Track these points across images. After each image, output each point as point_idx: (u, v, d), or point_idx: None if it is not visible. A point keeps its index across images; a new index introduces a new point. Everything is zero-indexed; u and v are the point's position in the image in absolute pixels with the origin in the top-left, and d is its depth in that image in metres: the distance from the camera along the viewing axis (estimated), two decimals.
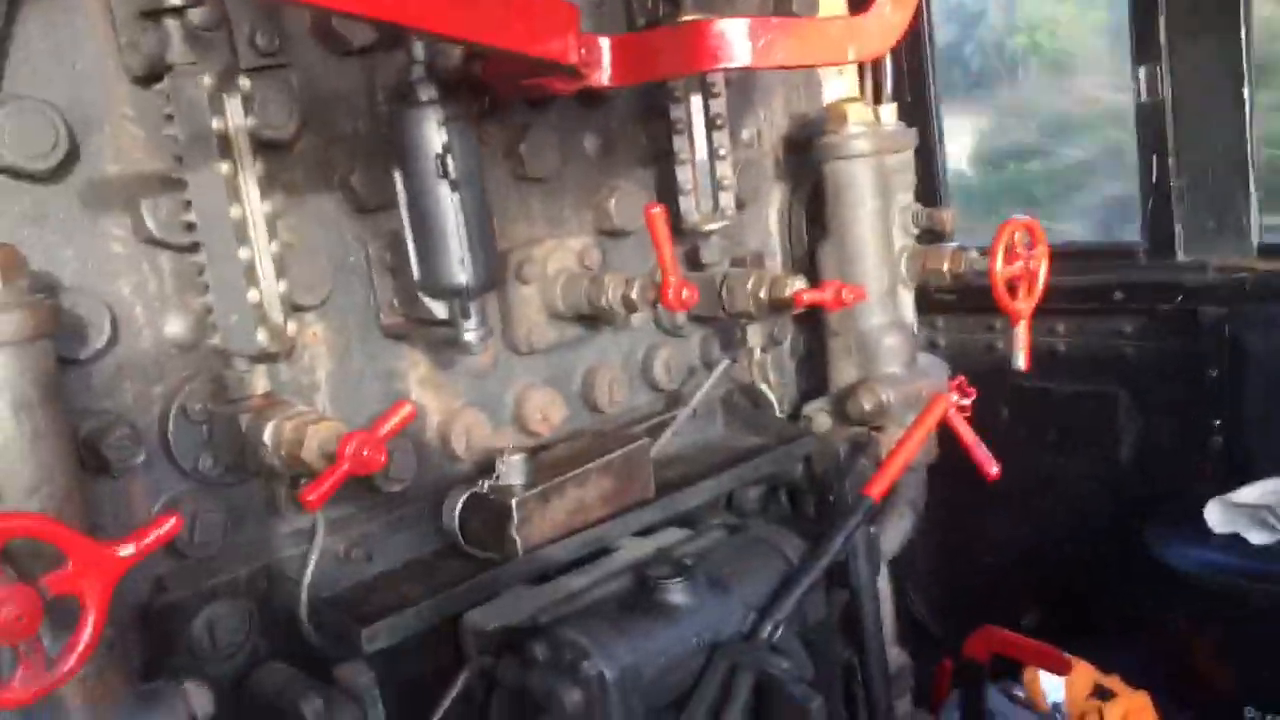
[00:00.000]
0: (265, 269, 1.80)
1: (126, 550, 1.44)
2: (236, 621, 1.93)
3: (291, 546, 2.01)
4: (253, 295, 1.79)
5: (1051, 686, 3.28)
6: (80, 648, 1.39)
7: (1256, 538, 2.94)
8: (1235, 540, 2.98)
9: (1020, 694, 3.36)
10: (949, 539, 4.05)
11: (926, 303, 3.77)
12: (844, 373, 2.70)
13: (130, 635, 1.79)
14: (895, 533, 2.72)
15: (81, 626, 1.40)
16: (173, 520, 1.48)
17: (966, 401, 2.64)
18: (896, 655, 2.87)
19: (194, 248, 1.82)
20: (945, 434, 2.69)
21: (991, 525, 3.92)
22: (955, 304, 3.77)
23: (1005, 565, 3.91)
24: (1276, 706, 2.93)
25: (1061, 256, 3.45)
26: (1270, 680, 2.93)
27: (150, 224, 1.81)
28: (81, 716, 1.55)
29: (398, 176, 1.90)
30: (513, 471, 2.08)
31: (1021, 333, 2.58)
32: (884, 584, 2.90)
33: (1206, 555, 2.97)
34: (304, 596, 1.89)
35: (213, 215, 1.76)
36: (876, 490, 2.28)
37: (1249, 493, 3.00)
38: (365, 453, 1.70)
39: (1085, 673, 3.19)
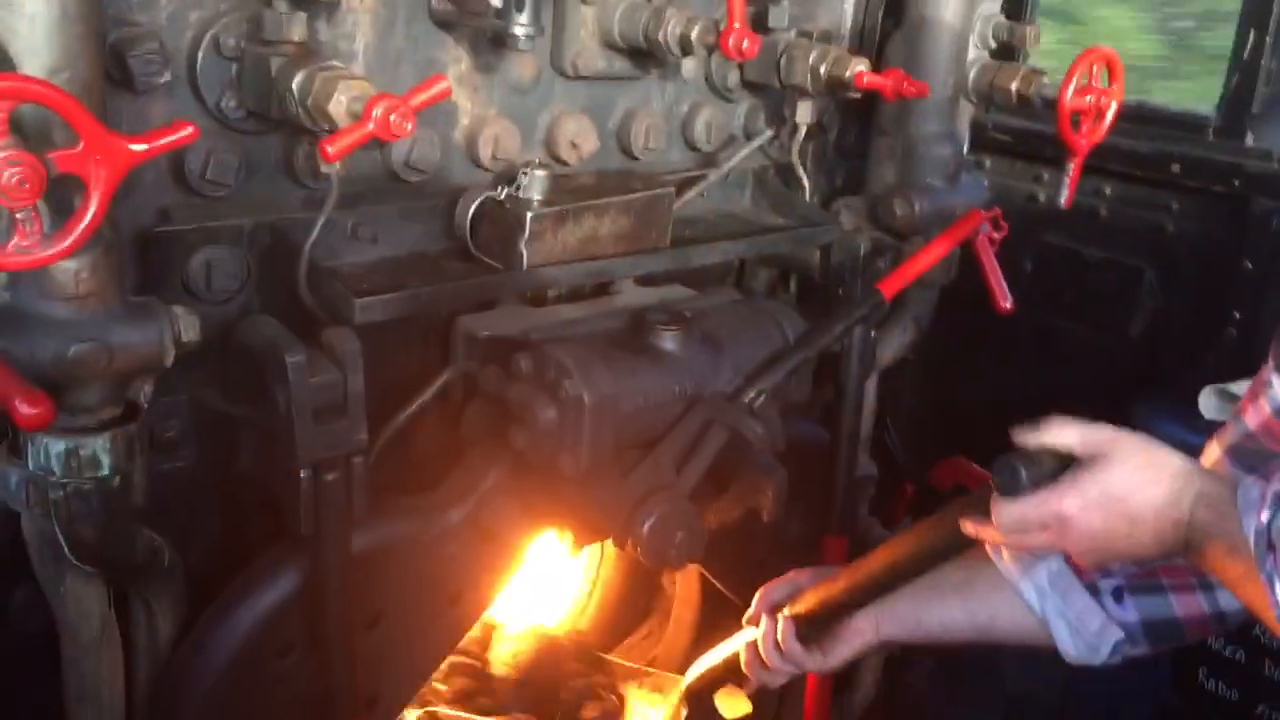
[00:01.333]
0: None
1: (139, 146, 1.41)
2: (235, 268, 1.92)
3: (300, 210, 1.99)
4: None
5: None
6: (79, 228, 1.38)
7: None
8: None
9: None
10: (940, 382, 4.06)
11: (980, 139, 3.66)
12: (883, 175, 2.64)
13: (128, 261, 1.79)
14: (894, 343, 2.71)
15: (84, 209, 1.38)
16: (189, 129, 1.45)
17: (998, 235, 2.60)
18: (865, 464, 2.91)
19: None
20: (964, 271, 2.65)
21: (985, 375, 3.92)
22: (1008, 146, 3.66)
23: (989, 417, 3.91)
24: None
25: (1129, 118, 3.34)
26: None
27: None
28: (68, 308, 1.55)
29: None
30: (533, 186, 2.04)
31: (1072, 169, 2.50)
32: (870, 395, 2.92)
33: (1189, 438, 2.96)
34: (305, 254, 1.88)
35: None
36: (890, 289, 2.25)
37: (1246, 386, 2.98)
38: (393, 118, 1.66)
39: None
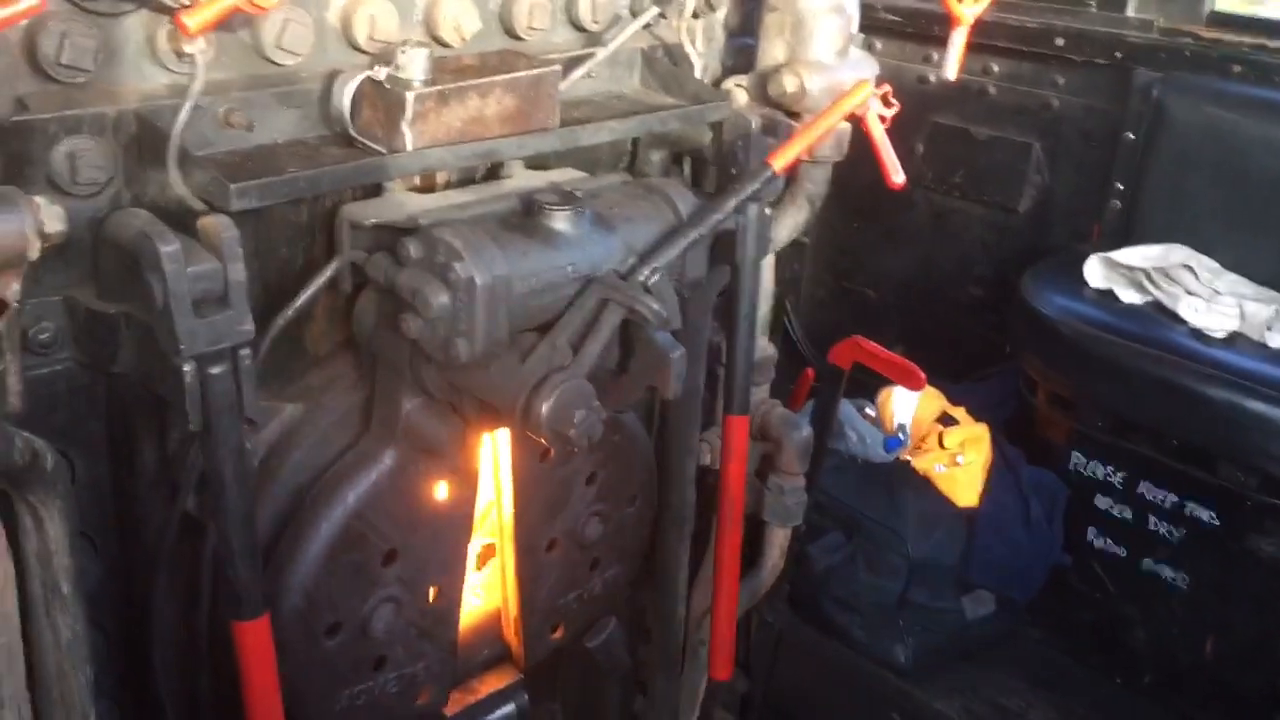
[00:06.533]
0: None
1: None
2: (101, 159, 1.83)
3: (168, 97, 1.90)
4: None
5: (900, 409, 3.43)
6: None
7: (1127, 296, 3.03)
8: (1107, 297, 3.08)
9: (871, 413, 3.51)
10: (838, 266, 4.12)
11: (870, 20, 3.66)
12: (772, 52, 2.61)
13: None
14: (789, 222, 2.72)
15: None
16: None
17: (888, 111, 2.59)
18: (764, 345, 2.94)
19: None
20: (859, 156, 2.64)
21: (881, 257, 3.99)
22: (898, 27, 3.67)
23: (885, 299, 4.00)
24: (1098, 455, 3.12)
25: None
26: (1098, 430, 3.11)
27: None
28: None
29: None
30: (413, 65, 1.97)
31: (959, 39, 2.50)
32: (767, 277, 2.94)
33: (1074, 306, 3.07)
34: (175, 138, 1.80)
35: None
36: (779, 162, 2.25)
37: (1131, 254, 3.08)
38: None
39: (934, 398, 3.35)
